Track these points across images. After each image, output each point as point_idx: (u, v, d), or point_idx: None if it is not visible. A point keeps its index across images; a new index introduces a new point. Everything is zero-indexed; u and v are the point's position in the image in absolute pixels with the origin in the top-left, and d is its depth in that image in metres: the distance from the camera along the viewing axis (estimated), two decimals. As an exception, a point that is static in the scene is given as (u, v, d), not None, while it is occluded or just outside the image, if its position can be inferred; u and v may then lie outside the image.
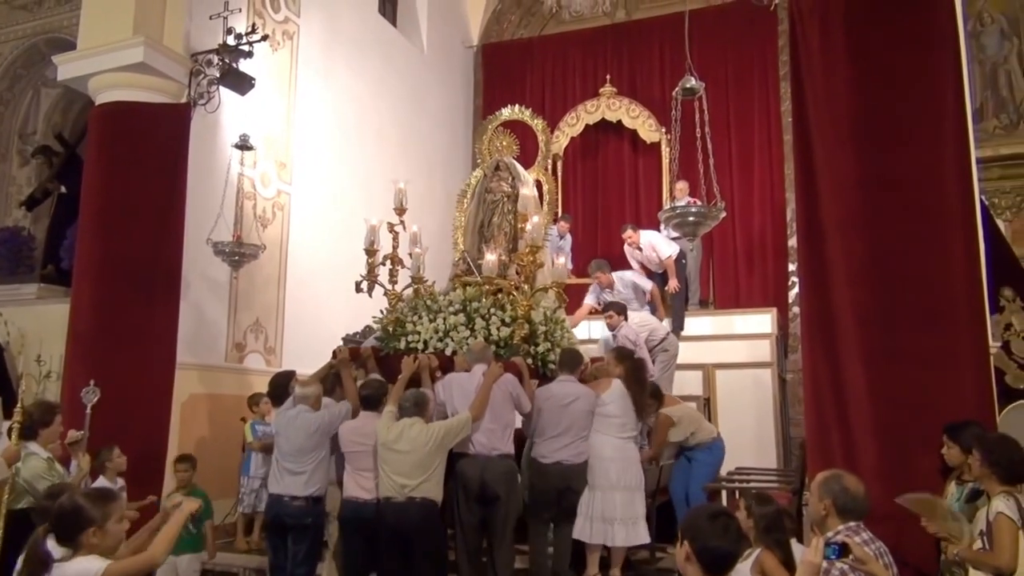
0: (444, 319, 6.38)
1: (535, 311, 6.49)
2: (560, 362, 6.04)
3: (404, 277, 6.98)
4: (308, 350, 8.77)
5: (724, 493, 6.57)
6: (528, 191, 7.57)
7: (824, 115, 5.21)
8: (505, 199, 7.48)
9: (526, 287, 6.60)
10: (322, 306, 9.07)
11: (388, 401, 5.52)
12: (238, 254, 7.41)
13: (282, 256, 8.72)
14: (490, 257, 6.52)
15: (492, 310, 6.38)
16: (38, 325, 7.80)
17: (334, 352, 6.30)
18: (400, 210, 7.06)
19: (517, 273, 6.95)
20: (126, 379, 6.51)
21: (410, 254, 6.93)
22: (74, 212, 7.47)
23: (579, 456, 5.62)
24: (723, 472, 7.00)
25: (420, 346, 6.35)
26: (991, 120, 8.99)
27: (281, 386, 6.17)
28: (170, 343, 7.01)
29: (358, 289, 6.76)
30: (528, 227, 6.58)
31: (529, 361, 6.21)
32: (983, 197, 6.91)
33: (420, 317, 6.49)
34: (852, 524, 3.47)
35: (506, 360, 5.94)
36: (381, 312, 6.80)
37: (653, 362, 7.87)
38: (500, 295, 6.60)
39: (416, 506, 5.09)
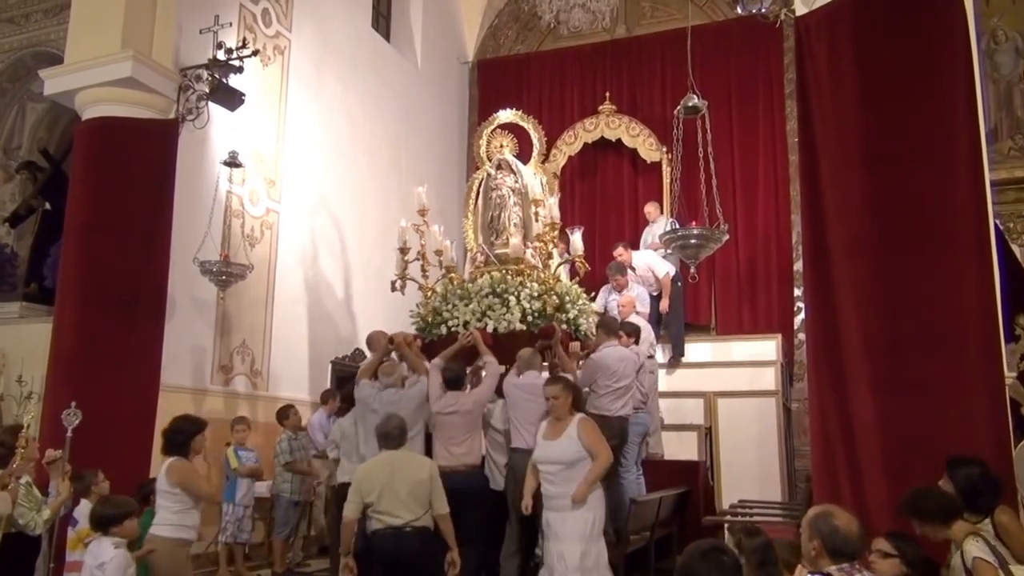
0: (479, 302, 6.94)
1: (558, 283, 7.09)
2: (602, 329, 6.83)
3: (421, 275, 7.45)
4: (295, 373, 8.59)
5: (726, 527, 6.32)
6: (534, 179, 7.83)
7: (831, 135, 5.06)
8: (511, 193, 7.65)
9: (550, 262, 7.16)
10: (310, 328, 8.89)
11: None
12: (225, 273, 7.26)
13: (270, 276, 8.54)
14: (514, 241, 7.16)
15: (519, 288, 6.94)
16: (20, 345, 7.66)
17: (390, 339, 6.60)
18: (423, 210, 7.57)
19: (532, 257, 7.37)
20: (109, 401, 6.38)
21: (436, 252, 7.44)
22: (58, 229, 7.36)
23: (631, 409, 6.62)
24: (725, 505, 6.75)
25: (461, 329, 6.83)
26: (1006, 141, 8.73)
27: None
28: (154, 364, 6.91)
29: (393, 288, 7.25)
30: (543, 209, 7.24)
31: (564, 327, 6.82)
32: (998, 221, 6.71)
33: (454, 305, 7.01)
34: (845, 566, 3.17)
35: (544, 325, 6.65)
36: (417, 307, 7.29)
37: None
38: (522, 276, 7.11)
39: (413, 534, 4.98)
